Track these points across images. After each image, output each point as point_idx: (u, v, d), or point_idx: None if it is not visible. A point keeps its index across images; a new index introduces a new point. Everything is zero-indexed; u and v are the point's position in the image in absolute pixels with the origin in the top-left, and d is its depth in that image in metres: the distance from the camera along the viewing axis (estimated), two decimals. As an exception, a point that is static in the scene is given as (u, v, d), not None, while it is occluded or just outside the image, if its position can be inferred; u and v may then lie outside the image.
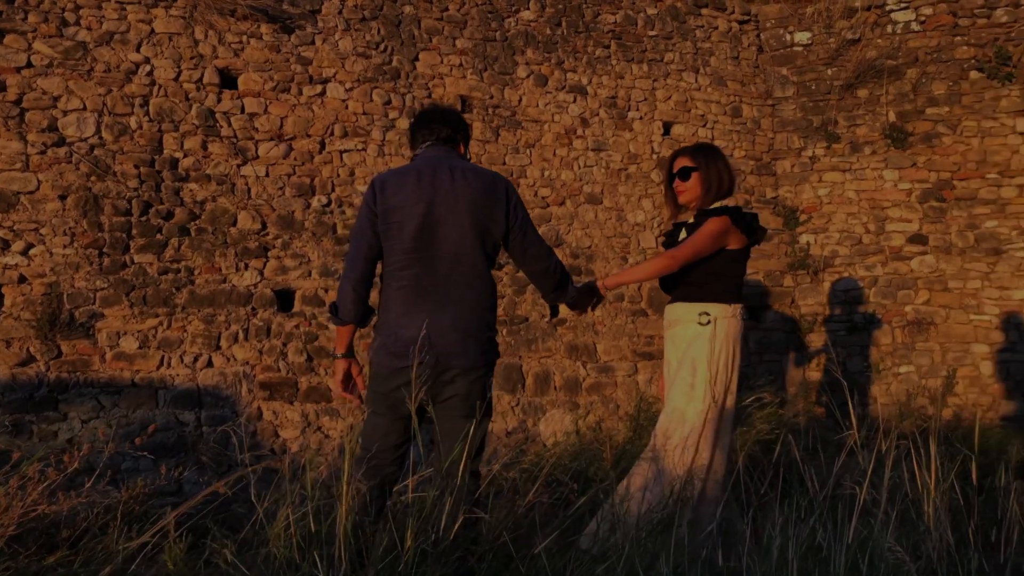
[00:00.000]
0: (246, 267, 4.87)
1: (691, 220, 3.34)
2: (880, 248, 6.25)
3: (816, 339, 6.32)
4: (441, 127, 2.89)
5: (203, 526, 2.74)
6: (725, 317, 3.13)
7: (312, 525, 1.99)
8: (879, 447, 2.48)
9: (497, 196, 2.79)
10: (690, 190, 3.30)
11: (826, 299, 6.31)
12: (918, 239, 6.19)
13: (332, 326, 2.69)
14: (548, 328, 5.66)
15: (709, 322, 3.11)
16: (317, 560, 1.87)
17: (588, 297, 3.17)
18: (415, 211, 2.65)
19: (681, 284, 3.25)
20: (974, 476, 2.46)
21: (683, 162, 3.32)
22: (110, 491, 3.36)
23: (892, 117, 6.28)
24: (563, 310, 5.78)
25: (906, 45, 6.28)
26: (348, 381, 2.82)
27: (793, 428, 4.81)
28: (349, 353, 2.81)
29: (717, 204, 3.28)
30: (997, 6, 6.13)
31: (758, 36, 6.62)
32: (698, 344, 3.12)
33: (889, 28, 6.32)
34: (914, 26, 6.26)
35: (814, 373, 6.30)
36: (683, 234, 3.32)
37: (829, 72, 6.41)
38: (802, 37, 6.48)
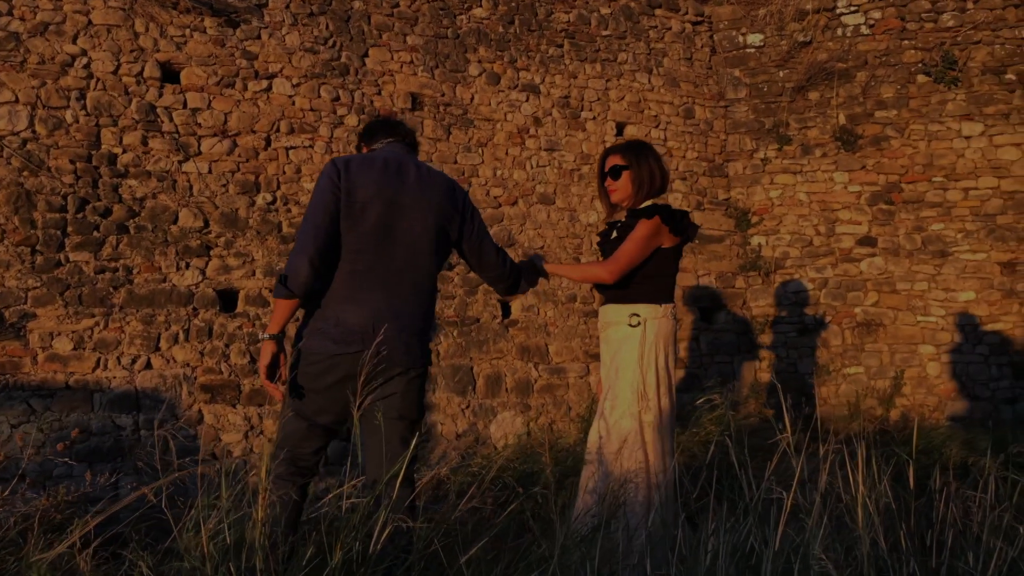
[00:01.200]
0: (187, 266, 4.74)
1: (623, 219, 3.30)
2: (830, 250, 6.30)
3: (767, 340, 6.35)
4: (404, 130, 2.88)
5: (130, 535, 2.63)
6: (655, 318, 3.10)
7: (228, 536, 1.91)
8: (817, 450, 2.47)
9: (456, 202, 2.76)
10: (621, 189, 3.25)
11: (777, 300, 6.35)
12: (867, 241, 6.26)
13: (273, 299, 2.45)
14: (500, 329, 5.60)
15: (639, 324, 3.08)
16: (232, 572, 1.79)
17: (534, 275, 3.13)
18: (382, 196, 2.57)
19: (614, 286, 3.21)
20: (911, 478, 2.46)
21: (614, 160, 3.27)
22: (34, 498, 3.22)
23: (842, 120, 6.34)
24: (515, 310, 5.73)
25: (856, 48, 6.34)
26: (275, 369, 2.53)
27: (742, 430, 4.82)
28: (282, 335, 2.55)
29: (648, 202, 3.24)
30: (944, 10, 6.21)
31: (711, 37, 6.64)
32: (628, 346, 3.08)
33: (839, 31, 6.38)
34: (864, 29, 6.33)
35: (765, 374, 6.33)
36: (615, 233, 3.28)
37: (781, 74, 6.45)
38: (754, 39, 6.51)
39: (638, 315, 3.06)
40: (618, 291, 3.14)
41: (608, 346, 3.16)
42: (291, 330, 2.64)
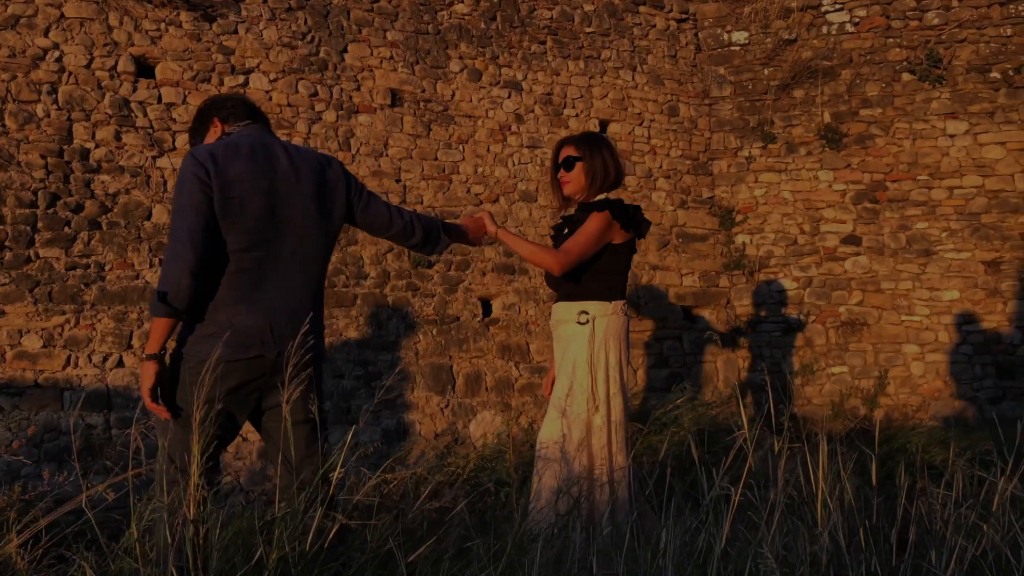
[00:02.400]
0: (160, 263, 4.68)
1: (574, 214, 3.23)
2: (815, 249, 6.26)
3: (751, 339, 6.31)
4: (253, 107, 2.60)
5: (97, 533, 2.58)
6: (605, 315, 3.03)
7: (168, 536, 1.86)
8: (796, 449, 2.42)
9: (336, 176, 2.57)
10: (574, 181, 3.15)
11: (760, 300, 6.30)
12: (852, 240, 6.22)
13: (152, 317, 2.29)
14: (480, 327, 5.55)
15: (587, 321, 3.02)
16: (166, 573, 1.75)
17: (478, 232, 3.02)
18: (259, 187, 2.37)
19: (563, 281, 3.15)
20: (873, 476, 2.41)
21: (567, 151, 3.18)
22: (-6, 497, 3.17)
23: (827, 118, 6.30)
24: (496, 308, 5.68)
25: (841, 46, 6.31)
26: (158, 390, 2.31)
27: (721, 429, 4.78)
28: (163, 353, 2.32)
29: (601, 196, 3.16)
30: (929, 9, 6.18)
31: (696, 35, 6.60)
32: (577, 344, 3.02)
33: (824, 29, 6.35)
34: (848, 27, 6.29)
35: (749, 373, 6.28)
36: (566, 229, 3.21)
37: (766, 72, 6.41)
38: (739, 37, 6.47)
39: (587, 312, 3.01)
40: (568, 287, 3.08)
41: (559, 344, 3.11)
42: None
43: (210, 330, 2.32)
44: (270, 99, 5.09)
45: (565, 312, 3.07)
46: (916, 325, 6.06)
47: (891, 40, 6.22)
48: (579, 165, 3.12)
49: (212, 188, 2.31)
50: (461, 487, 3.93)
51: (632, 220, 3.05)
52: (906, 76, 6.20)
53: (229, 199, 2.33)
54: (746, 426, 2.10)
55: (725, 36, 6.51)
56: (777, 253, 6.31)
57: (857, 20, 6.29)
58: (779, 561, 1.81)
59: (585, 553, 2.13)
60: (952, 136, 6.10)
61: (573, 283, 3.08)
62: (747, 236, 6.38)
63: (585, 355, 2.96)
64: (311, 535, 1.90)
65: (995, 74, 6.06)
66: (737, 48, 6.50)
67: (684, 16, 6.56)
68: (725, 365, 6.30)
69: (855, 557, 2.12)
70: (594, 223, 2.99)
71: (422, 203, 5.47)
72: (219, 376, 2.22)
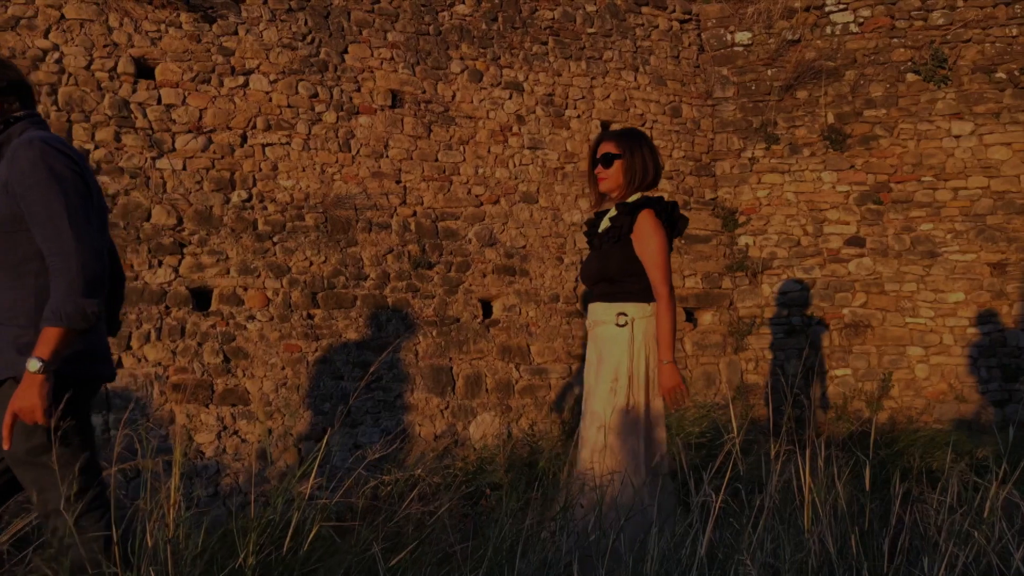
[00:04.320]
0: (160, 264, 4.69)
1: (613, 212, 3.21)
2: (818, 250, 6.22)
3: (754, 342, 6.27)
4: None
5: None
6: (644, 317, 3.01)
7: (149, 539, 1.85)
8: (798, 453, 2.39)
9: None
10: (611, 178, 3.14)
11: (764, 301, 6.26)
12: (856, 241, 6.17)
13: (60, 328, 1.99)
14: (480, 329, 5.54)
15: (626, 324, 2.99)
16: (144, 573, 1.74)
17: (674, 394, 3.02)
18: (98, 186, 2.27)
19: (600, 281, 3.13)
20: (867, 481, 2.38)
21: (607, 148, 3.17)
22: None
23: (830, 119, 6.26)
24: (496, 310, 5.66)
25: (844, 47, 6.26)
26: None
27: (721, 433, 4.74)
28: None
29: (638, 195, 3.15)
30: (934, 8, 6.13)
31: (699, 36, 6.56)
32: (617, 346, 3.00)
33: (828, 29, 6.30)
34: (852, 27, 6.24)
35: (752, 376, 6.25)
36: (605, 223, 3.19)
37: (769, 73, 6.37)
38: (742, 37, 6.44)
39: (626, 314, 2.98)
40: (603, 287, 3.06)
41: (594, 343, 3.07)
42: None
43: (88, 345, 2.17)
44: (270, 100, 5.09)
45: (603, 313, 3.05)
46: (921, 327, 6.01)
47: (896, 40, 6.18)
48: (618, 163, 3.10)
49: (81, 181, 2.17)
50: (457, 490, 3.92)
51: (670, 219, 3.03)
52: (911, 76, 6.15)
53: (92, 195, 2.24)
54: (736, 430, 2.07)
55: (728, 37, 6.47)
56: (780, 254, 6.26)
57: (861, 20, 6.25)
58: (765, 568, 1.78)
59: (571, 559, 2.10)
60: (957, 137, 6.04)
61: (609, 283, 3.06)
62: (750, 238, 6.34)
63: (625, 357, 2.94)
64: (287, 540, 1.88)
65: (1001, 74, 6.00)
66: (740, 49, 6.46)
67: (687, 17, 6.52)
68: (728, 367, 6.26)
69: (845, 563, 2.09)
70: (651, 231, 2.97)
71: (422, 204, 5.46)
72: (85, 397, 2.16)
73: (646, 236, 3.00)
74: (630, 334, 2.99)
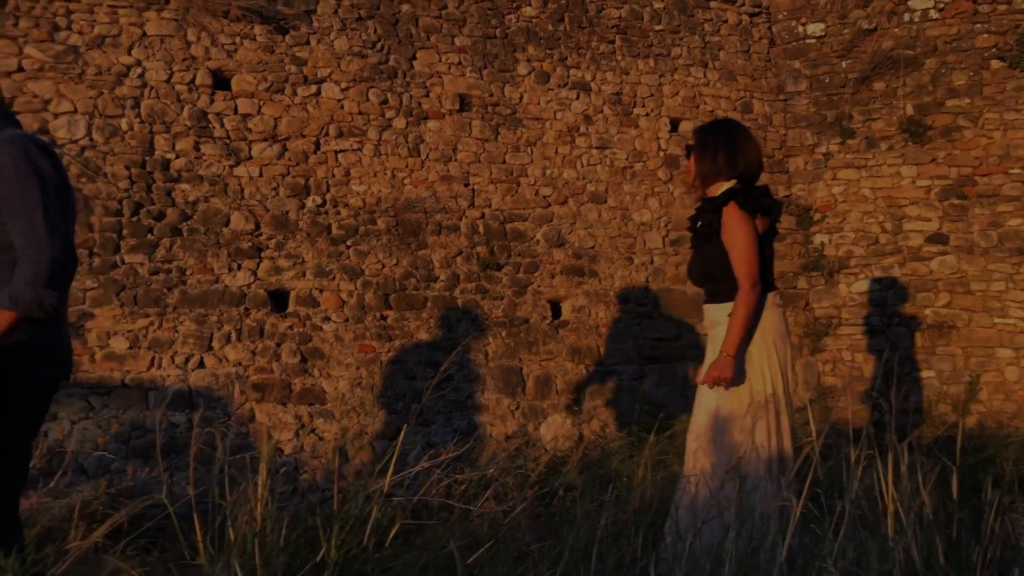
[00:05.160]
0: (239, 267, 4.83)
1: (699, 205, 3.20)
2: (898, 248, 6.01)
3: (831, 343, 6.10)
4: None
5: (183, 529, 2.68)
6: (763, 309, 2.95)
7: (231, 533, 1.91)
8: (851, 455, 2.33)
9: None
10: (689, 170, 3.17)
11: (841, 301, 6.09)
12: (938, 238, 5.94)
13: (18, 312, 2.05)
14: (549, 330, 5.54)
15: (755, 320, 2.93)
16: (231, 568, 1.80)
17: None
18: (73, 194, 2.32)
19: (706, 281, 3.10)
20: (954, 489, 2.29)
21: (691, 139, 3.21)
22: (81, 490, 3.33)
23: (910, 110, 6.05)
24: (565, 311, 5.65)
25: (924, 34, 6.04)
26: None
27: (804, 435, 4.63)
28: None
29: (725, 186, 3.05)
30: (1020, -8, 5.86)
31: (769, 29, 6.43)
32: (754, 343, 2.94)
33: (906, 17, 6.09)
34: (932, 14, 6.02)
35: (830, 378, 6.08)
36: (699, 222, 3.16)
37: (843, 65, 6.19)
38: (815, 29, 6.27)
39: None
40: (711, 287, 3.02)
41: (714, 346, 3.01)
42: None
43: (48, 341, 2.20)
44: (342, 107, 5.19)
45: (717, 314, 3.01)
46: (1010, 328, 5.75)
47: (978, 26, 5.92)
48: (693, 154, 3.11)
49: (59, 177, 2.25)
50: (529, 489, 3.93)
51: (757, 204, 2.95)
52: (995, 63, 5.89)
53: (70, 191, 2.32)
54: (815, 433, 2.02)
55: (800, 29, 6.32)
56: (857, 253, 6.08)
57: (942, 6, 6.02)
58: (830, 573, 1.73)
59: (649, 560, 2.09)
60: (1047, 126, 5.77)
61: (714, 282, 3.02)
62: (826, 236, 6.18)
63: (745, 357, 2.87)
64: (368, 533, 1.92)
65: (1094, 59, 5.70)
66: (813, 41, 6.30)
67: (757, 10, 6.40)
68: (804, 369, 6.11)
69: (931, 575, 2.02)
70: (734, 225, 2.91)
71: (491, 206, 5.49)
72: (39, 399, 2.18)
73: (729, 231, 2.95)
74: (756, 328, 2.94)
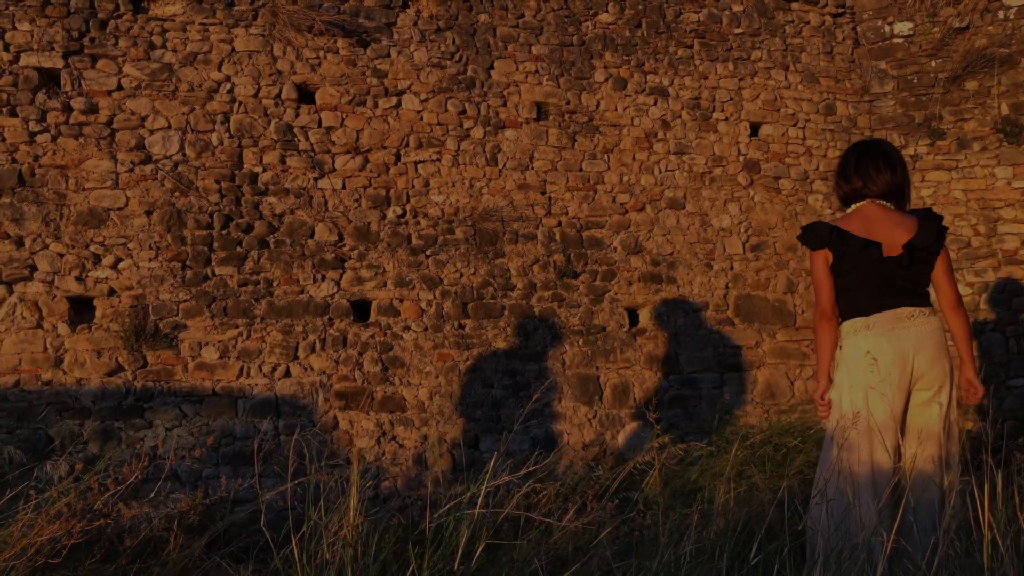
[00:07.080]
0: (323, 278, 4.96)
1: None
2: (992, 252, 5.77)
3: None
4: None
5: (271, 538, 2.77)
6: (847, 335, 3.09)
7: (326, 550, 1.97)
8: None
9: None
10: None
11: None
12: (1036, 241, 5.68)
13: None
14: (626, 338, 5.51)
15: (842, 345, 3.11)
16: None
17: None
18: None
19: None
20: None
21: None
22: (179, 499, 3.46)
23: (1005, 110, 5.79)
24: (643, 318, 5.61)
25: (1020, 31, 5.78)
26: None
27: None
28: None
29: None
30: None
31: (854, 29, 6.25)
32: (840, 367, 3.12)
33: (1000, 14, 5.84)
34: (1029, 10, 5.75)
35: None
36: None
37: (933, 64, 5.98)
38: (903, 28, 6.07)
39: (841, 336, 3.11)
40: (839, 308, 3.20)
41: None
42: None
43: None
44: (421, 118, 5.27)
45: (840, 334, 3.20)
46: (1115, 335, 5.46)
47: (1080, 21, 5.64)
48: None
49: None
50: (609, 500, 3.91)
51: (815, 238, 3.09)
52: (1099, 60, 5.60)
53: None
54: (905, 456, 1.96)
55: (887, 28, 6.12)
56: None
57: (1039, 2, 5.75)
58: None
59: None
60: None
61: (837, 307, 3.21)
62: (914, 240, 5.96)
63: (839, 378, 3.04)
64: (459, 554, 1.95)
65: None
66: (900, 40, 6.09)
67: (840, 10, 6.23)
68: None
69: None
70: (810, 261, 3.15)
71: (567, 214, 5.49)
72: None
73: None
74: (840, 355, 3.12)
